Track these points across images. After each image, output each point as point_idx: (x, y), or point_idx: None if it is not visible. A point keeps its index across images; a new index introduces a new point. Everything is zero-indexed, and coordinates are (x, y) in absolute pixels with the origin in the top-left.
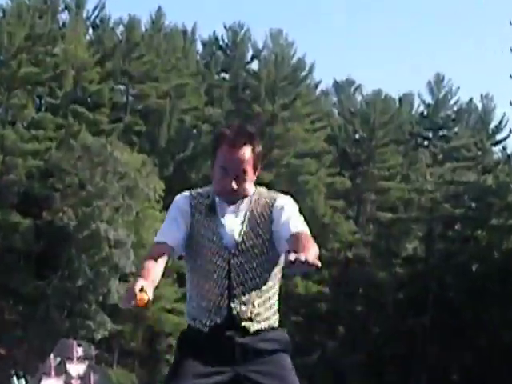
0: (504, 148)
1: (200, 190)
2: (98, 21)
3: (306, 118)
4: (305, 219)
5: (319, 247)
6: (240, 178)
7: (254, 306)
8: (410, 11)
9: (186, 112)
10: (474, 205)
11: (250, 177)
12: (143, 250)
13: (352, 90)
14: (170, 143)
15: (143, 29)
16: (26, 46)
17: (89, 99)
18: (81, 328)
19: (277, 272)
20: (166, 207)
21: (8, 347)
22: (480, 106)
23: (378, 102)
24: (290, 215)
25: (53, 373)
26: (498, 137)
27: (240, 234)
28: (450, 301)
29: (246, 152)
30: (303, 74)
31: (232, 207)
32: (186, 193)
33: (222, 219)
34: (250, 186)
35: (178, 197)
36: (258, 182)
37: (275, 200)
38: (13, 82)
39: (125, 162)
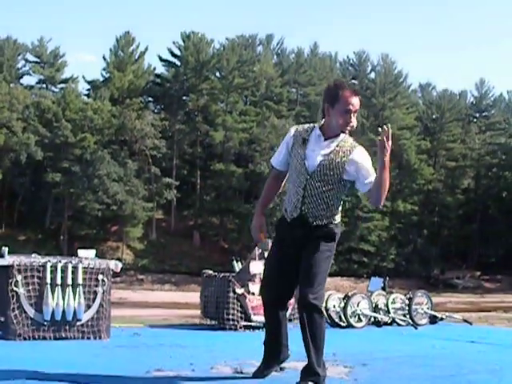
0: None
1: (306, 126)
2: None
3: None
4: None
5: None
6: (355, 118)
7: (318, 210)
8: None
9: None
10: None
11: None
12: None
13: None
14: None
15: None
16: (236, 67)
17: (275, 98)
18: None
19: (341, 195)
20: None
21: (230, 243)
22: None
23: None
24: (368, 164)
25: (257, 258)
26: None
27: (321, 162)
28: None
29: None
30: None
31: (326, 142)
32: (294, 127)
33: (310, 149)
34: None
35: (290, 128)
36: None
37: (355, 147)
38: (229, 88)
39: None
